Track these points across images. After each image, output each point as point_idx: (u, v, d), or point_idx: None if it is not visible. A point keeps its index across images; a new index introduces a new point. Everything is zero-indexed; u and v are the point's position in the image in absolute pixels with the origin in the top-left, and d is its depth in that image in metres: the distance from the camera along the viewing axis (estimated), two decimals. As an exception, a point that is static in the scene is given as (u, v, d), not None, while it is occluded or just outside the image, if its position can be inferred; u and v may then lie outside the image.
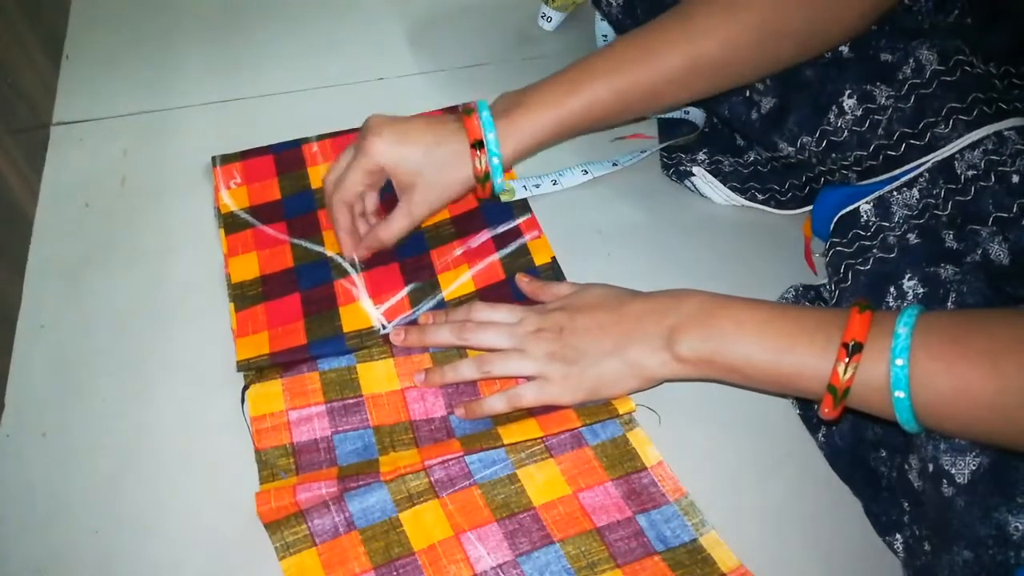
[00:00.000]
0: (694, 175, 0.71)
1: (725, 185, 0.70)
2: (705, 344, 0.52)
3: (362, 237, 0.65)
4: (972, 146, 0.56)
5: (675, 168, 0.72)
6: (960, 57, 0.57)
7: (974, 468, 0.45)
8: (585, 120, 0.62)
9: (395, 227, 0.64)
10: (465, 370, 0.58)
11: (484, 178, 0.62)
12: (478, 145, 0.61)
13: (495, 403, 0.57)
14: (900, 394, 0.45)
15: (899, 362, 0.45)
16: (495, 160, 0.61)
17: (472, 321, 0.60)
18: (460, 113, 0.62)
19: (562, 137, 0.63)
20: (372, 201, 0.66)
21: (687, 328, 0.53)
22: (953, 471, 0.46)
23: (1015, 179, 0.54)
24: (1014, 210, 0.54)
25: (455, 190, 0.63)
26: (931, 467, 0.47)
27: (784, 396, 0.58)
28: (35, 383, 0.59)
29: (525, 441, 0.56)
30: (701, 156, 0.72)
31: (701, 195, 0.71)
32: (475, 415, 0.57)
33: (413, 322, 0.62)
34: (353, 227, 0.65)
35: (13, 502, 0.54)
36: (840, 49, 0.60)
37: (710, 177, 0.70)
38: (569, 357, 0.56)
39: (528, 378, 0.57)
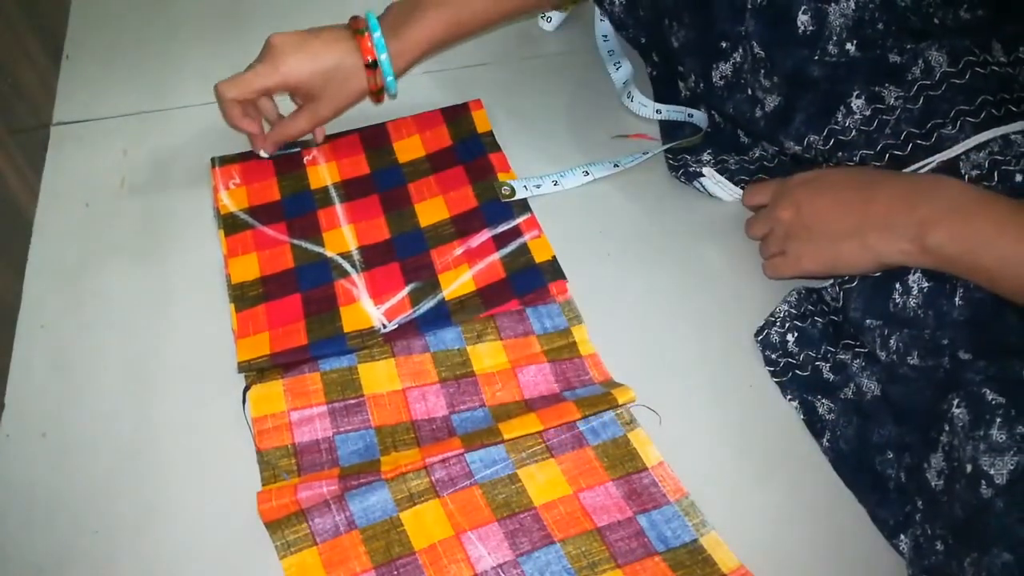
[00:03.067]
0: (703, 176, 0.70)
1: (733, 181, 0.70)
2: (958, 243, 0.51)
3: (267, 134, 0.71)
4: (978, 148, 0.56)
5: (683, 170, 0.71)
6: (970, 58, 0.57)
7: (1012, 468, 0.45)
8: (469, 25, 0.69)
9: (300, 124, 0.70)
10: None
11: (379, 92, 0.70)
12: (372, 64, 0.67)
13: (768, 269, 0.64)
14: None
15: None
16: (388, 79, 0.69)
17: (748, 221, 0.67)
18: (352, 31, 0.68)
19: (448, 43, 0.71)
20: (268, 105, 0.71)
21: (941, 222, 0.52)
22: (992, 472, 0.46)
23: (1018, 178, 0.54)
24: None
25: (354, 99, 0.70)
26: (969, 467, 0.47)
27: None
28: (35, 383, 0.59)
29: (526, 440, 0.56)
30: (706, 156, 0.72)
31: (710, 195, 0.71)
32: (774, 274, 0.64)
33: (413, 321, 0.62)
34: (256, 127, 0.70)
35: (13, 502, 0.54)
36: (847, 48, 0.60)
37: (719, 177, 0.70)
38: (802, 235, 0.59)
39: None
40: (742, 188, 0.70)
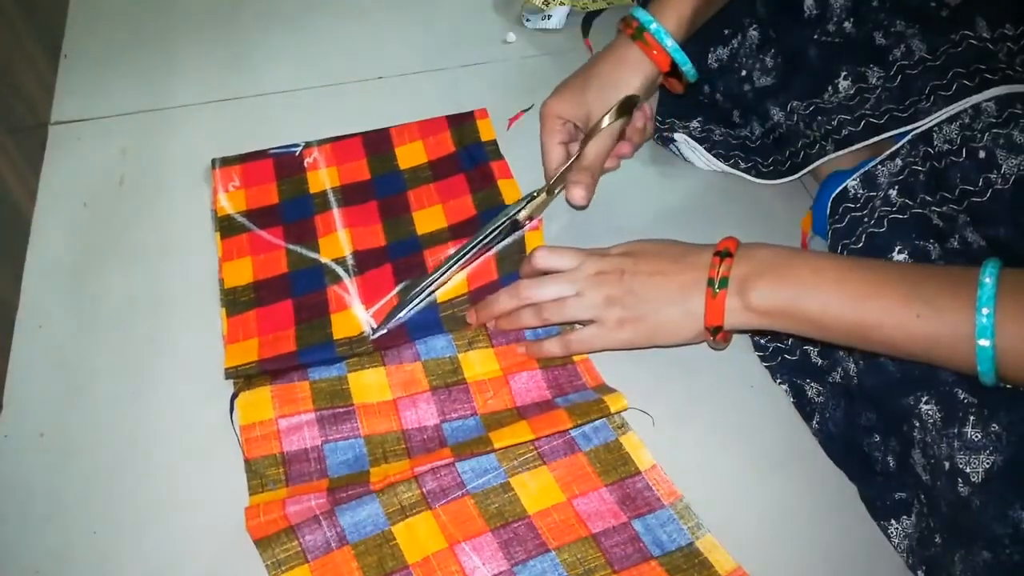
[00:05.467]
0: (675, 140, 0.72)
1: (711, 152, 0.71)
2: (780, 293, 0.51)
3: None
4: (951, 119, 0.56)
5: (660, 134, 0.73)
6: (947, 47, 0.58)
7: (988, 466, 0.45)
8: None
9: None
10: (526, 318, 0.59)
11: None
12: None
13: (551, 347, 0.59)
14: (984, 343, 0.45)
15: (985, 311, 0.45)
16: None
17: (526, 282, 0.60)
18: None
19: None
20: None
21: (761, 276, 0.52)
22: (968, 470, 0.46)
23: (982, 155, 0.54)
24: (979, 184, 0.54)
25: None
26: (947, 465, 0.47)
27: (858, 349, 0.55)
28: (33, 383, 0.60)
29: (517, 448, 0.55)
30: (695, 124, 0.73)
31: (684, 159, 0.73)
32: (533, 354, 0.60)
33: (403, 327, 0.61)
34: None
35: (11, 502, 0.54)
36: (844, 25, 0.62)
37: (692, 143, 0.71)
38: (627, 302, 0.56)
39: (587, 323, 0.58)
40: (715, 156, 0.72)
